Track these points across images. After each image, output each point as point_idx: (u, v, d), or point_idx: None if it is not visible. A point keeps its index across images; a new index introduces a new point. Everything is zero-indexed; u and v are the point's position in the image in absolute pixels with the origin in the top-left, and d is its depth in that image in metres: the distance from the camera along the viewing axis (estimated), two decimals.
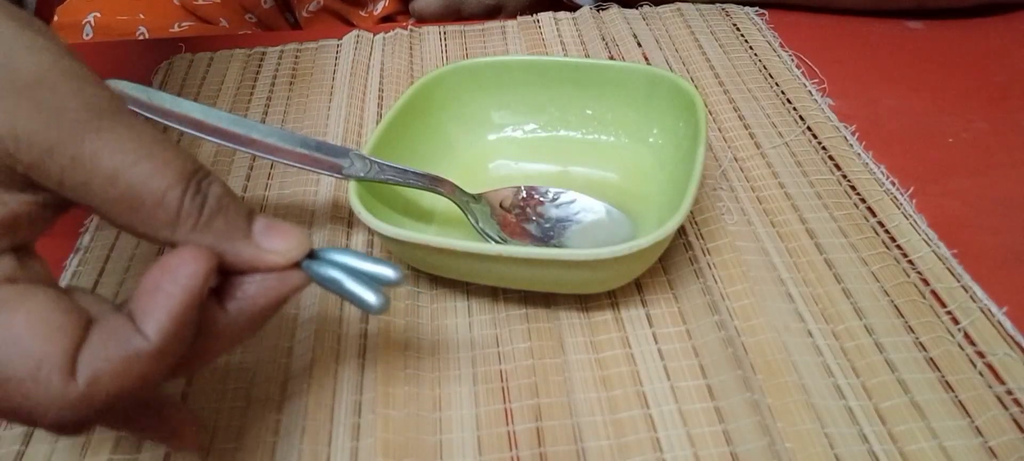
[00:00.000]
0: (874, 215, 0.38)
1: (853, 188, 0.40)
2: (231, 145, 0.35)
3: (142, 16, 0.62)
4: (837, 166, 0.41)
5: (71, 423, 0.21)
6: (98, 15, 0.61)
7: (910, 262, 0.35)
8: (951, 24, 0.53)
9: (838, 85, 0.47)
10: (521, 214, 0.37)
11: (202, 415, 0.31)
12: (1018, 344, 0.31)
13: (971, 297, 0.33)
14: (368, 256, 0.25)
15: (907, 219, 0.37)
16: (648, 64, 0.46)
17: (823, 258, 0.36)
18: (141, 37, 0.61)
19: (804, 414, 0.29)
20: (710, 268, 0.35)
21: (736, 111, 0.46)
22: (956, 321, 0.33)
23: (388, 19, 0.65)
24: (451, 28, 0.55)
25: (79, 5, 0.62)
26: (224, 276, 0.24)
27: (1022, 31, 0.52)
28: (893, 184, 0.39)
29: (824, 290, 0.34)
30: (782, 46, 0.51)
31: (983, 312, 0.33)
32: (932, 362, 0.31)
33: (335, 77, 0.50)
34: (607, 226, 0.37)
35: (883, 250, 0.36)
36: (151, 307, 0.22)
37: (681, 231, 0.37)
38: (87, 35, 0.60)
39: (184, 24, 0.63)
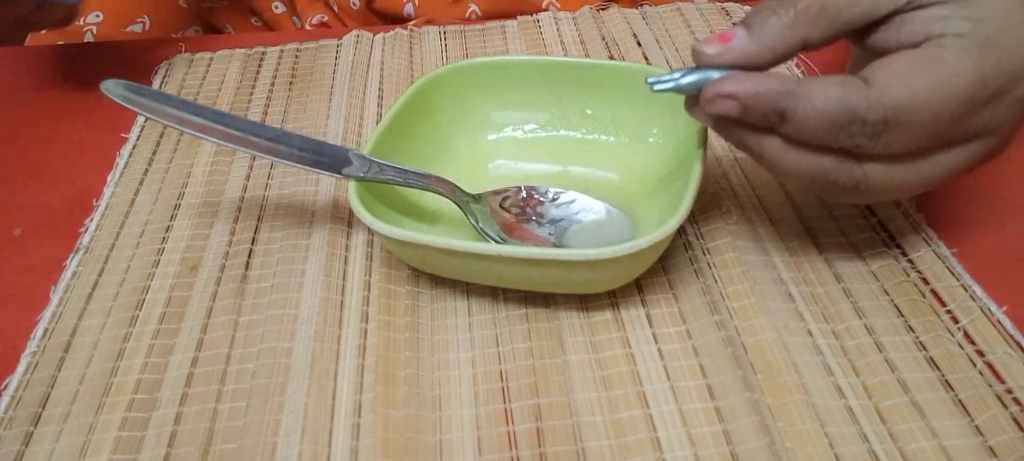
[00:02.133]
0: (874, 214, 0.38)
1: None
2: (231, 145, 0.35)
3: (146, 19, 0.62)
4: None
5: None
6: (99, 17, 0.60)
7: (910, 261, 0.35)
8: None
9: None
10: (521, 214, 0.37)
11: (202, 415, 0.31)
12: (1018, 343, 0.31)
13: (971, 296, 0.33)
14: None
15: (907, 218, 0.37)
16: (648, 64, 0.46)
17: (823, 258, 0.36)
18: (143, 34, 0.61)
19: (804, 414, 0.29)
20: (710, 268, 0.35)
21: None
22: (956, 320, 0.33)
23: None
24: (451, 28, 0.55)
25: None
26: None
27: None
28: None
29: (824, 290, 0.34)
30: None
31: (983, 311, 0.33)
32: (932, 361, 0.31)
33: (335, 77, 0.51)
34: (607, 226, 0.37)
35: (883, 249, 0.36)
36: None
37: (681, 231, 0.37)
38: (88, 40, 0.60)
39: (189, 30, 0.63)
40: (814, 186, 0.31)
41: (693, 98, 0.31)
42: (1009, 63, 0.29)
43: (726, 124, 0.31)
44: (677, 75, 0.31)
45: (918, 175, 0.31)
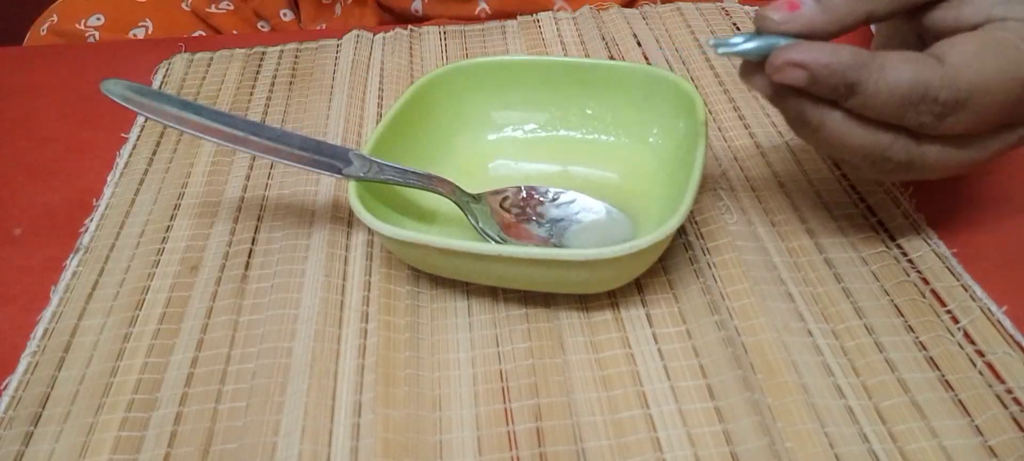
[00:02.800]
0: (874, 214, 0.38)
1: (853, 187, 0.40)
2: (231, 145, 0.35)
3: (149, 22, 0.61)
4: (837, 165, 0.41)
5: None
6: (101, 20, 0.60)
7: (910, 261, 0.35)
8: None
9: None
10: (521, 214, 0.37)
11: (202, 415, 0.31)
12: (1018, 343, 0.31)
13: (971, 296, 0.33)
14: None
15: (907, 218, 0.37)
16: (648, 64, 0.46)
17: (823, 258, 0.36)
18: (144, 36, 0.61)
19: (804, 414, 0.29)
20: (710, 268, 0.35)
21: (736, 111, 0.46)
22: (956, 320, 0.33)
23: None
24: (451, 28, 0.55)
25: (80, 7, 0.61)
26: None
27: None
28: (893, 183, 0.39)
29: (824, 290, 0.34)
30: None
31: (983, 311, 0.33)
32: (932, 361, 0.31)
33: (335, 77, 0.51)
34: (607, 226, 0.37)
35: (883, 249, 0.36)
36: None
37: (681, 231, 0.37)
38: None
39: (193, 34, 0.63)
40: (867, 162, 0.31)
41: (750, 65, 0.31)
42: None
43: (787, 93, 0.30)
44: (740, 40, 0.30)
45: (966, 156, 0.31)
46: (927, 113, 0.29)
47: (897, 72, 0.29)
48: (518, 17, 0.55)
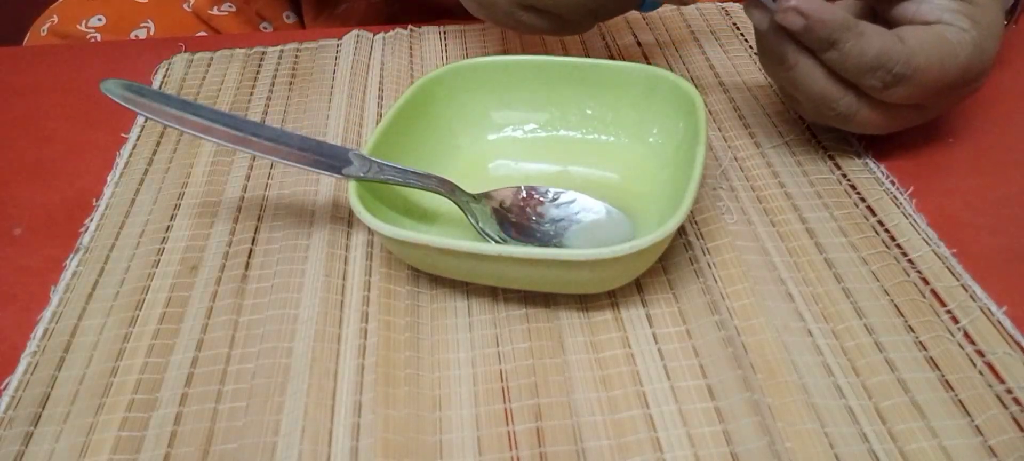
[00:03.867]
0: (874, 214, 0.38)
1: (853, 187, 0.40)
2: (231, 145, 0.35)
3: (150, 23, 0.61)
4: (837, 165, 0.41)
5: None
6: (102, 21, 0.60)
7: (910, 261, 0.35)
8: None
9: None
10: (521, 214, 0.37)
11: (202, 415, 0.31)
12: (1018, 343, 0.31)
13: (971, 296, 0.33)
14: None
15: (907, 218, 0.37)
16: (648, 64, 0.46)
17: (823, 258, 0.36)
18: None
19: (804, 413, 0.29)
20: (710, 268, 0.35)
21: (736, 111, 0.46)
22: (956, 320, 0.33)
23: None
24: (451, 28, 0.55)
25: (81, 8, 0.61)
26: None
27: (1022, 31, 0.52)
28: (893, 183, 0.39)
29: (824, 289, 0.34)
30: None
31: (983, 311, 0.33)
32: (932, 361, 0.31)
33: (335, 77, 0.51)
34: (607, 226, 0.37)
35: (883, 249, 0.36)
36: None
37: (681, 231, 0.38)
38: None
39: (195, 35, 0.63)
40: (816, 105, 0.38)
41: (756, 0, 0.36)
42: (981, 66, 0.37)
43: (780, 32, 0.36)
44: None
45: (885, 122, 0.39)
46: (880, 79, 0.35)
47: (870, 41, 0.35)
48: None
